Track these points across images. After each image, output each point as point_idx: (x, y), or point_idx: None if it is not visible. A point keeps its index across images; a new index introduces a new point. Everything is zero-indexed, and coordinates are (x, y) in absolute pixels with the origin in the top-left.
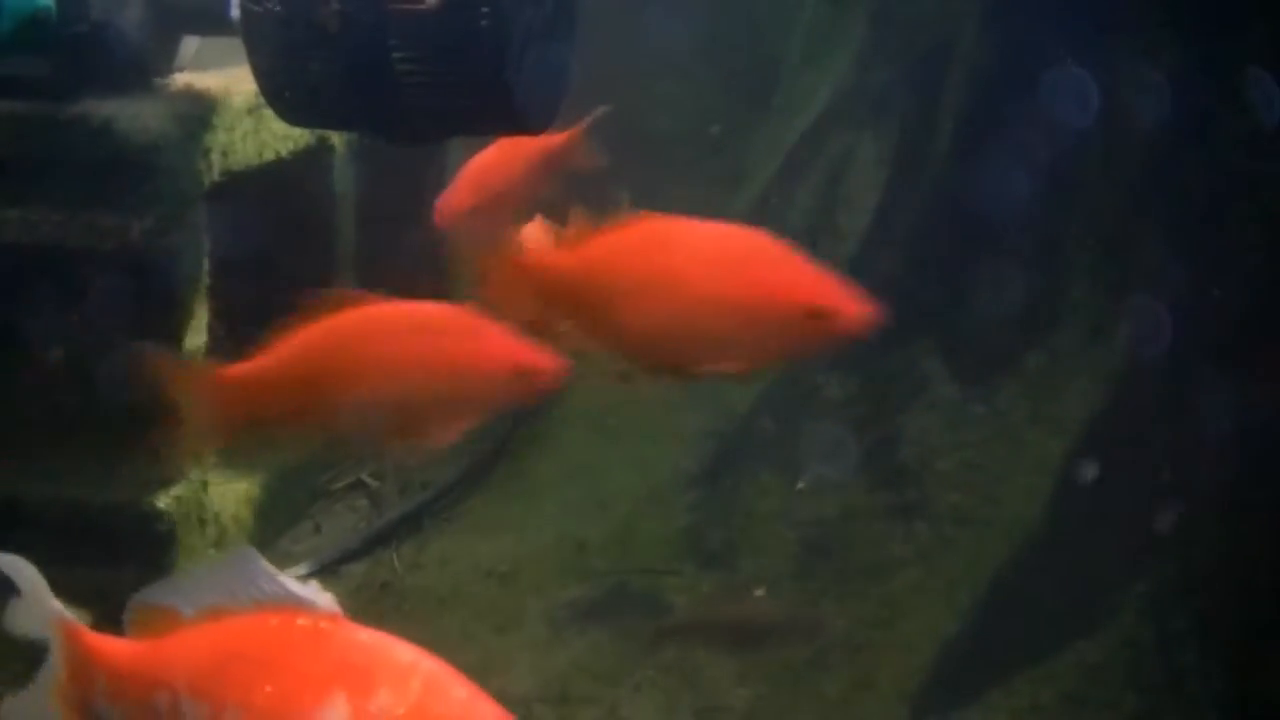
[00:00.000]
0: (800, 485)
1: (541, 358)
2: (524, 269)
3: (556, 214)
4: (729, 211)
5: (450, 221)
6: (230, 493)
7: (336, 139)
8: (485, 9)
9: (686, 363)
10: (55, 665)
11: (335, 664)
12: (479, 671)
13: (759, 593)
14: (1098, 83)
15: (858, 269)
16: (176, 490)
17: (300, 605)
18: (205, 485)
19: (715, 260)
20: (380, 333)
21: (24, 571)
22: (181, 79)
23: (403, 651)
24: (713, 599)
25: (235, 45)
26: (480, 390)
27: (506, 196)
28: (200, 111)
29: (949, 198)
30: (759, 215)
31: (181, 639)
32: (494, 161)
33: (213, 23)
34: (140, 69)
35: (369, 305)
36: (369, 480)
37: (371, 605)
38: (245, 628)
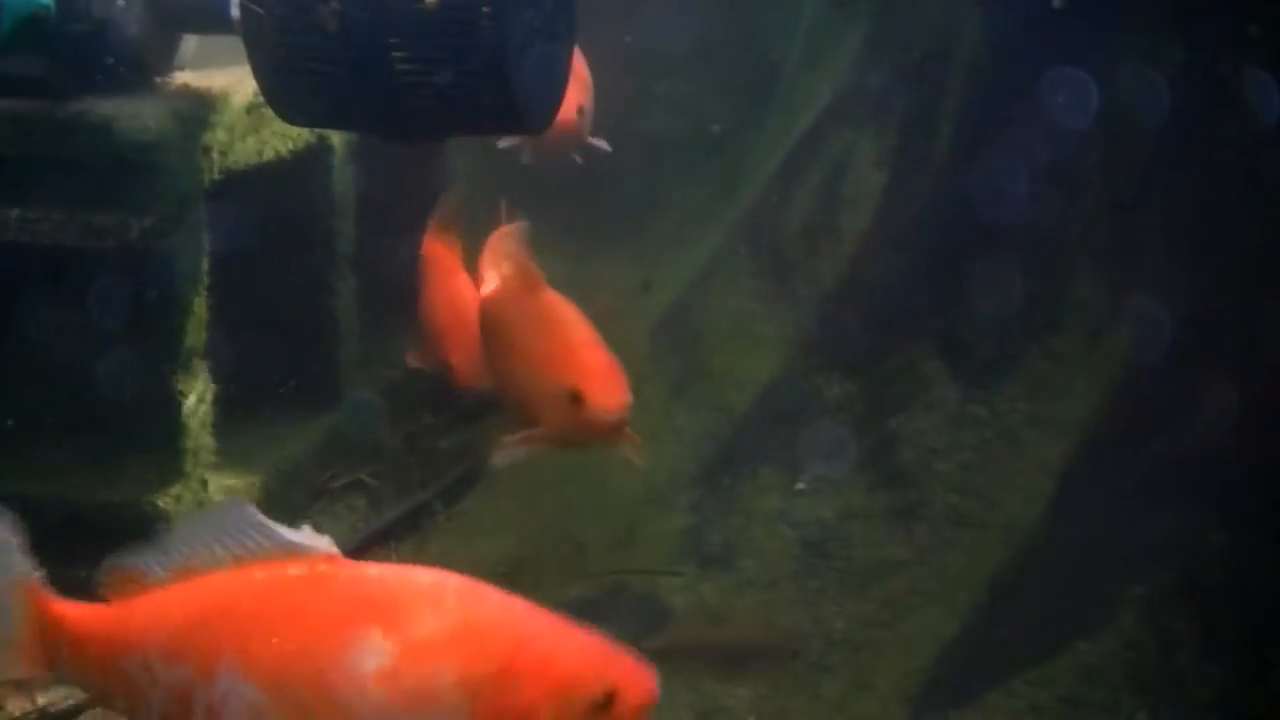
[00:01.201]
0: (799, 486)
1: None
2: None
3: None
4: (729, 211)
5: (473, 377)
6: (230, 492)
7: (336, 138)
8: (485, 8)
9: None
10: (17, 626)
11: (352, 602)
12: None
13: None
14: (1098, 83)
15: (857, 270)
16: (175, 489)
17: (293, 552)
18: (205, 484)
19: None
20: None
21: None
22: (181, 78)
23: (421, 575)
24: (695, 622)
25: (235, 44)
26: None
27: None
28: (200, 111)
29: (949, 199)
30: (758, 215)
31: (152, 600)
32: (455, 307)
33: (213, 22)
34: (140, 68)
35: None
36: (368, 480)
37: None
38: (228, 583)
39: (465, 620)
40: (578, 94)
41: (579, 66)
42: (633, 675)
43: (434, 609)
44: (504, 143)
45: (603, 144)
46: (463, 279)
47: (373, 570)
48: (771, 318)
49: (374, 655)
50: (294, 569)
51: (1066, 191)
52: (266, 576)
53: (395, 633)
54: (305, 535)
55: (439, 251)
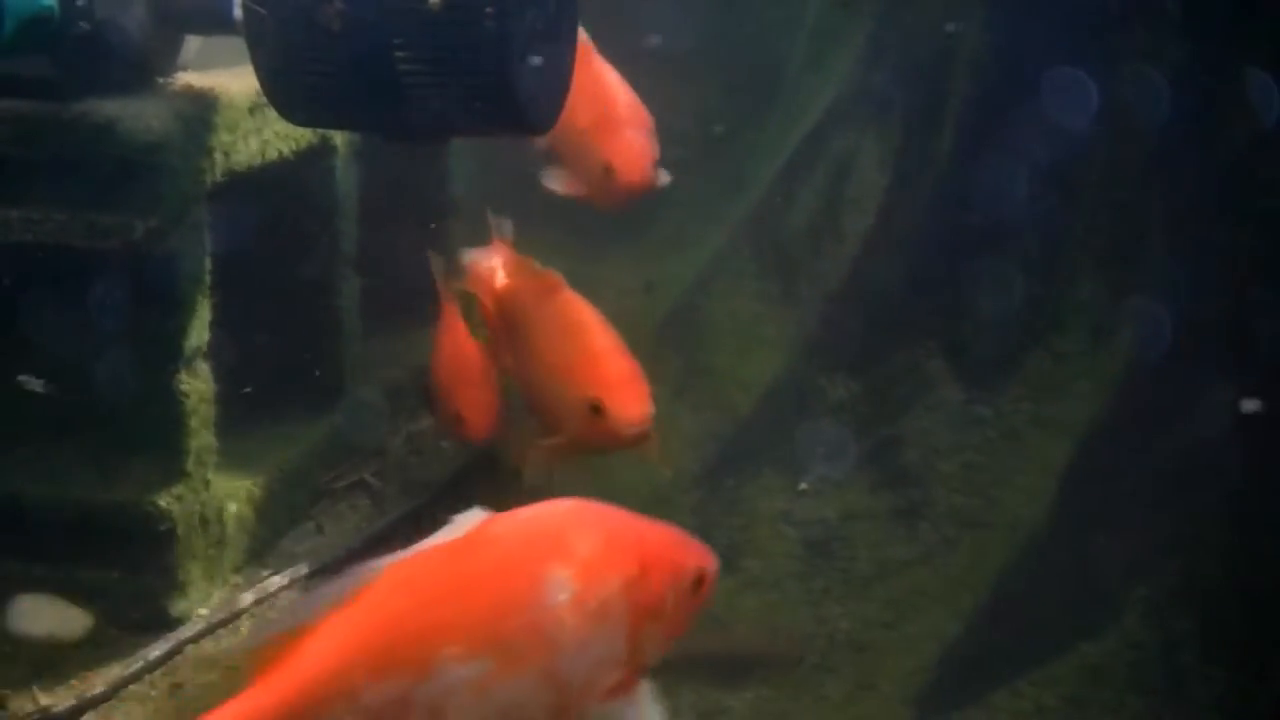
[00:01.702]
0: (803, 486)
1: None
2: None
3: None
4: (732, 212)
5: (491, 432)
6: (232, 492)
7: (339, 138)
8: (489, 9)
9: None
10: None
11: (520, 548)
12: None
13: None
14: (1098, 84)
15: (860, 271)
16: (178, 489)
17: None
18: (208, 484)
19: None
20: None
21: None
22: (184, 78)
23: (549, 508)
24: (698, 628)
25: (238, 45)
26: None
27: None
28: (203, 111)
29: (952, 199)
30: (762, 216)
31: (311, 645)
32: (463, 358)
33: (216, 23)
34: (143, 69)
35: None
36: (371, 480)
37: None
38: (399, 587)
39: (606, 534)
40: (648, 145)
41: (641, 110)
42: (706, 555)
43: (580, 532)
44: (549, 181)
45: (665, 177)
46: (474, 355)
47: (514, 517)
48: (775, 318)
49: (562, 588)
50: (447, 547)
51: (1068, 191)
52: (433, 563)
53: (567, 564)
54: (455, 524)
55: (445, 300)
